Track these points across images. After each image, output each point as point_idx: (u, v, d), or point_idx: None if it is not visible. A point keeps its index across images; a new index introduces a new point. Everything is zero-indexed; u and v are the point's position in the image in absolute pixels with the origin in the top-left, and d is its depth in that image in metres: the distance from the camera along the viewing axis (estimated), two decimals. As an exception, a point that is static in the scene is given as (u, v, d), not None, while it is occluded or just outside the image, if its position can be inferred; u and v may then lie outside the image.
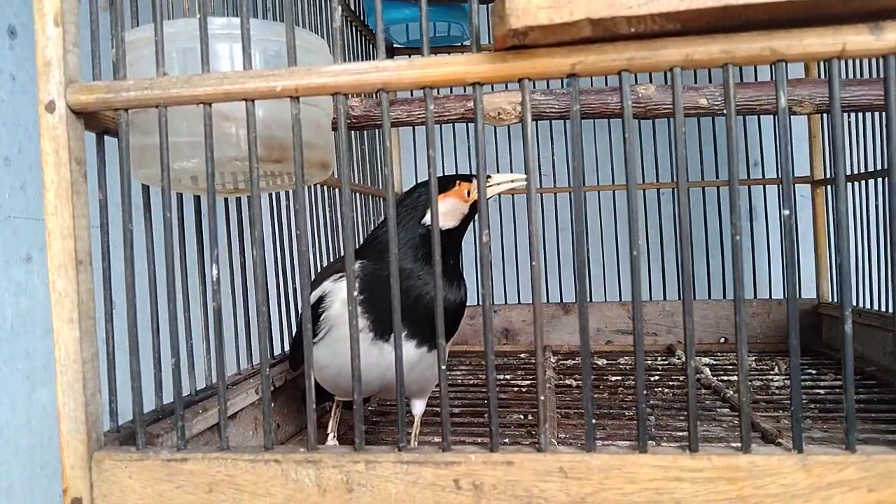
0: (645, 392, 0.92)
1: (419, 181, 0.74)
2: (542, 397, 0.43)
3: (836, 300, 1.24)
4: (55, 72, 0.47)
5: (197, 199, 0.64)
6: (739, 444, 0.42)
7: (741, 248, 0.42)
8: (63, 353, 0.47)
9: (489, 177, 0.68)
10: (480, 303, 0.45)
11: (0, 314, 1.06)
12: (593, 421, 0.43)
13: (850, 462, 0.41)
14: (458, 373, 1.16)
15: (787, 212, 0.42)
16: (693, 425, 0.42)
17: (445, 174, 0.71)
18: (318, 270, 0.86)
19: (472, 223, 0.70)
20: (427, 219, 0.67)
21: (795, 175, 1.35)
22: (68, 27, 0.47)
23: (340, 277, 0.67)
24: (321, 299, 0.67)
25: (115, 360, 0.51)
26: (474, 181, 0.68)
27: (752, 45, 0.41)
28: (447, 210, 0.67)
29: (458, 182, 0.69)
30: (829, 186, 1.27)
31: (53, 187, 0.46)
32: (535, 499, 0.42)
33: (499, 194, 0.71)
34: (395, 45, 1.32)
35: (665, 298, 1.35)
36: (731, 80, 0.42)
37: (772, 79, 0.66)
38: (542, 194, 1.35)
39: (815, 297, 1.29)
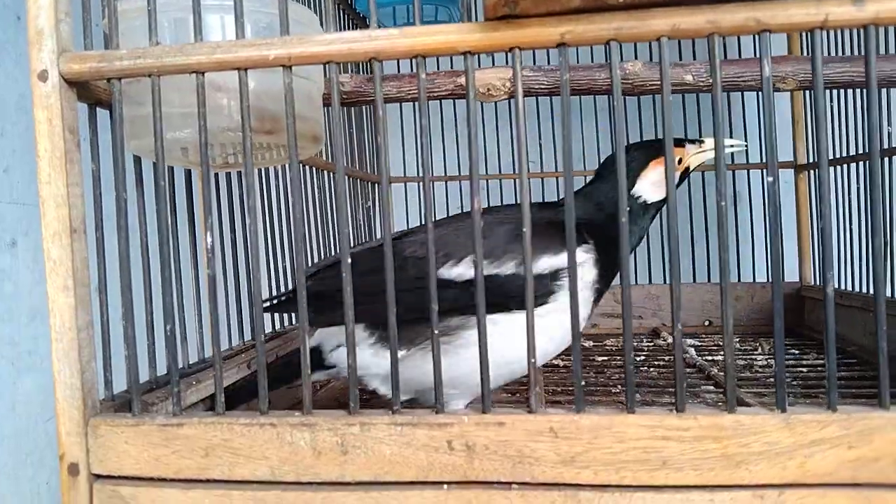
0: (631, 367, 0.93)
1: (632, 144, 0.67)
2: (533, 360, 0.44)
3: (819, 283, 1.26)
4: (48, 41, 0.47)
5: (186, 174, 0.64)
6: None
7: (726, 214, 0.43)
8: (58, 320, 0.47)
9: (702, 141, 0.65)
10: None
11: (-16, 299, 1.06)
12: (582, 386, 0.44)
13: (832, 420, 0.42)
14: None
15: (770, 178, 0.43)
16: (680, 386, 0.43)
17: (651, 139, 0.65)
18: (303, 253, 0.86)
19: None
20: (637, 190, 0.63)
21: (779, 160, 1.37)
22: (61, -4, 0.47)
23: (586, 248, 0.60)
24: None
25: (110, 330, 0.52)
26: (687, 146, 0.64)
27: (736, 16, 0.42)
28: (657, 180, 0.62)
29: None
30: (811, 171, 1.28)
31: (47, 156, 0.47)
32: (525, 458, 0.43)
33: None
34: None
35: (650, 282, 1.36)
36: (717, 50, 0.43)
37: (755, 52, 0.67)
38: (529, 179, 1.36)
39: (798, 280, 1.31)
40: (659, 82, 0.61)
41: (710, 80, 0.60)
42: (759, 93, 0.71)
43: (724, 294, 0.43)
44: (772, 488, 0.42)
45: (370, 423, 0.45)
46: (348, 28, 1.20)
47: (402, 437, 0.44)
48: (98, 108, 0.52)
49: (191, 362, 0.62)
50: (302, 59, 0.45)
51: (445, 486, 0.44)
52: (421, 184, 1.29)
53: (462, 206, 1.37)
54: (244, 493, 0.46)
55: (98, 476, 0.48)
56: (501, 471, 0.43)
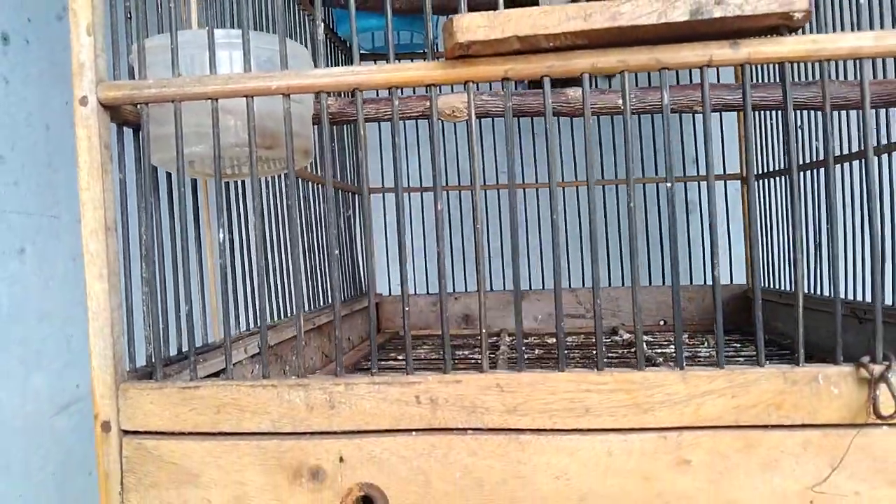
0: (585, 360, 1.03)
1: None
2: (484, 330, 0.55)
3: (766, 285, 1.38)
4: (88, 72, 0.57)
5: (193, 182, 0.74)
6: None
7: (636, 221, 0.54)
8: (94, 303, 0.57)
9: None
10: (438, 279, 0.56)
11: (-4, 303, 1.14)
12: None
13: (719, 375, 0.53)
14: (422, 351, 1.27)
15: (668, 184, 0.54)
16: (600, 351, 0.54)
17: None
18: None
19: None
20: None
21: (728, 172, 1.50)
22: (98, 36, 0.58)
23: None
24: None
25: (133, 314, 0.62)
26: None
27: (641, 56, 0.53)
28: None
29: None
30: (759, 181, 1.41)
31: (86, 167, 0.57)
32: (477, 409, 0.54)
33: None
34: (361, 52, 1.43)
35: (609, 285, 1.48)
36: (627, 83, 0.54)
37: (691, 81, 0.79)
38: (485, 190, 1.47)
39: (745, 282, 1.43)
40: (596, 105, 0.73)
41: (637, 105, 0.72)
42: (697, 115, 0.83)
43: (634, 287, 0.54)
44: (673, 430, 0.53)
45: (353, 383, 0.55)
46: (329, 50, 1.31)
47: (378, 394, 0.55)
48: (125, 128, 0.62)
49: (197, 345, 0.72)
50: (298, 90, 0.56)
51: (414, 432, 0.55)
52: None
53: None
54: (250, 443, 0.56)
55: (126, 432, 0.58)
56: (458, 419, 0.54)
